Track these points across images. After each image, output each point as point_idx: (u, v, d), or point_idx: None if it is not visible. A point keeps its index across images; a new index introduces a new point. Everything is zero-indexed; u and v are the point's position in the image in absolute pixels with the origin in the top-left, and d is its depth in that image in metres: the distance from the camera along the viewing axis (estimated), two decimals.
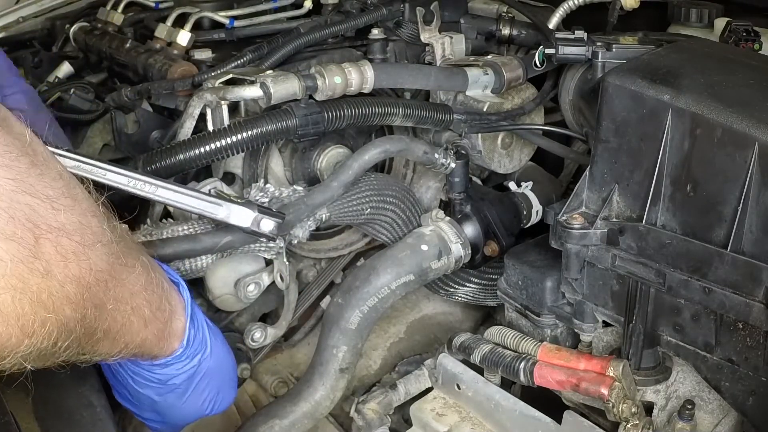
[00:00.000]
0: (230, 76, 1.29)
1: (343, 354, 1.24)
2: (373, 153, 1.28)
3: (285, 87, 1.22)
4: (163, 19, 1.64)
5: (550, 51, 1.34)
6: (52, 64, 1.84)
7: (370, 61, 1.40)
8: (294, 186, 1.29)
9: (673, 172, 1.04)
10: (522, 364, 1.13)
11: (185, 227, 1.19)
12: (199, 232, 1.17)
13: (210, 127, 1.26)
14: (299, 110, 1.22)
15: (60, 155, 0.92)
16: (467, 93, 1.44)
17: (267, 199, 1.22)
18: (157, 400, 0.96)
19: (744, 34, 1.38)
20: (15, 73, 1.07)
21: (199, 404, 0.98)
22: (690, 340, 1.04)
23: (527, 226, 1.49)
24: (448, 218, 1.37)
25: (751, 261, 0.95)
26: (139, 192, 1.03)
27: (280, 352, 1.62)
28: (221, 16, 1.66)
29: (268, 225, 1.10)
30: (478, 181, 1.59)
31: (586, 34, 1.32)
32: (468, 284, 1.48)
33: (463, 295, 1.50)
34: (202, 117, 1.28)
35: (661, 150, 1.04)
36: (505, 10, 1.64)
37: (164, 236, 1.15)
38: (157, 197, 1.04)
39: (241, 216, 1.09)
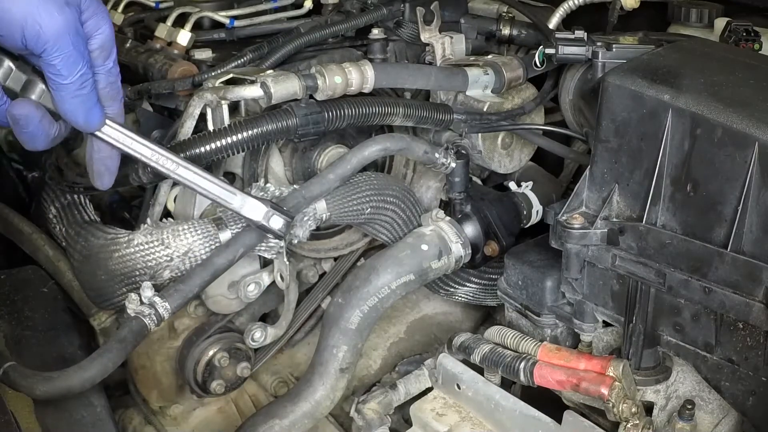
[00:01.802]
0: (230, 75, 1.29)
1: (343, 354, 1.24)
2: (372, 149, 1.28)
3: (285, 87, 1.22)
4: (163, 19, 1.63)
5: (550, 51, 1.34)
6: None
7: (371, 61, 1.40)
8: (294, 186, 1.29)
9: (673, 172, 1.04)
10: (522, 364, 1.13)
11: (185, 227, 1.20)
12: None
13: (210, 127, 1.26)
14: (299, 110, 1.22)
15: None
16: (467, 93, 1.44)
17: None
18: None
19: (744, 34, 1.38)
20: None
21: None
22: (690, 340, 1.04)
23: (527, 226, 1.49)
24: (448, 218, 1.37)
25: (751, 261, 0.95)
26: (160, 168, 1.04)
27: (280, 352, 1.62)
28: (221, 16, 1.66)
29: (277, 222, 1.11)
30: (478, 181, 1.59)
31: (586, 34, 1.32)
32: (468, 284, 1.48)
33: (463, 295, 1.50)
34: (202, 117, 1.28)
35: (661, 150, 1.04)
36: (505, 10, 1.64)
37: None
38: (176, 176, 1.06)
39: (254, 209, 1.10)
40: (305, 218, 1.25)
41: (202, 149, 1.18)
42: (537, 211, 1.48)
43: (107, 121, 0.98)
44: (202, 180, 1.07)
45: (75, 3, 0.88)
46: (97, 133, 0.99)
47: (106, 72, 0.95)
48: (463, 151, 1.39)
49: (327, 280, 1.54)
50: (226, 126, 1.22)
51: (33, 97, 0.92)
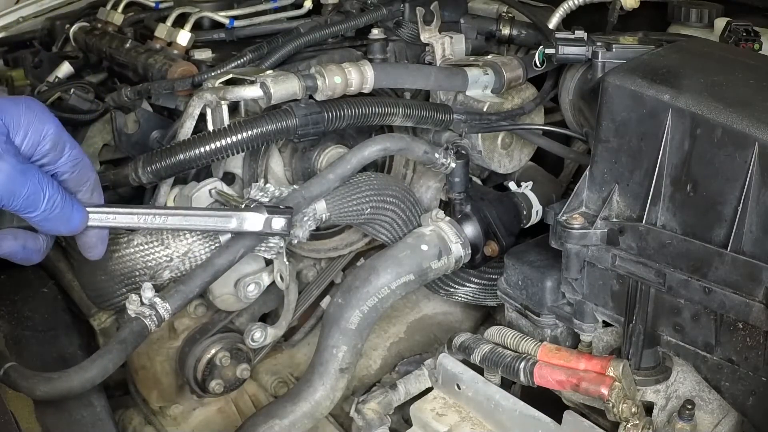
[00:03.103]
0: (230, 76, 1.29)
1: (343, 354, 1.24)
2: (372, 149, 1.28)
3: (285, 87, 1.22)
4: (163, 19, 1.64)
5: (550, 51, 1.34)
6: (52, 64, 1.84)
7: (370, 61, 1.40)
8: (294, 186, 1.29)
9: (673, 172, 1.04)
10: (522, 364, 1.13)
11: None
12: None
13: (210, 127, 1.26)
14: (299, 110, 1.22)
15: None
16: (467, 93, 1.44)
17: (267, 199, 1.22)
18: None
19: (744, 34, 1.38)
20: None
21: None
22: (690, 340, 1.04)
23: (527, 226, 1.49)
24: (448, 218, 1.37)
25: (751, 261, 0.95)
26: (150, 226, 1.04)
27: (280, 352, 1.62)
28: (221, 16, 1.66)
29: (279, 223, 1.12)
30: (478, 181, 1.59)
31: (586, 34, 1.32)
32: (468, 284, 1.48)
33: (463, 295, 1.50)
34: (202, 117, 1.28)
35: (661, 150, 1.04)
36: (505, 10, 1.64)
37: None
38: (168, 226, 1.06)
39: (252, 221, 1.11)
40: (305, 218, 1.25)
41: (202, 150, 1.18)
42: (537, 211, 1.48)
43: (88, 209, 0.97)
44: (194, 218, 1.07)
45: (5, 144, 0.85)
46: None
47: (67, 160, 0.93)
48: (462, 151, 1.39)
49: (320, 279, 1.55)
50: (226, 126, 1.22)
51: (7, 225, 0.92)
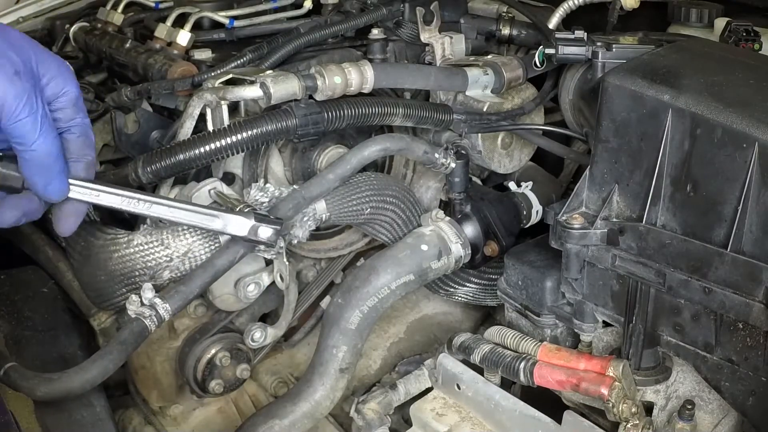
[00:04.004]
0: (230, 76, 1.29)
1: (343, 354, 1.24)
2: (372, 149, 1.28)
3: (285, 87, 1.22)
4: (163, 19, 1.63)
5: (550, 51, 1.34)
6: None
7: (370, 61, 1.41)
8: (294, 186, 1.29)
9: (673, 172, 1.04)
10: (522, 364, 1.13)
11: (185, 227, 1.19)
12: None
13: (210, 127, 1.26)
14: (299, 110, 1.22)
15: None
16: (467, 93, 1.44)
17: (267, 199, 1.22)
18: None
19: (744, 34, 1.38)
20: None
21: None
22: (690, 340, 1.04)
23: (527, 226, 1.49)
24: (448, 218, 1.37)
25: (751, 261, 0.95)
26: (133, 210, 1.04)
27: (280, 352, 1.62)
28: (221, 16, 1.66)
29: (265, 232, 1.11)
30: (478, 181, 1.59)
31: (586, 34, 1.32)
32: (468, 284, 1.48)
33: (463, 295, 1.50)
34: (202, 117, 1.28)
35: (661, 150, 1.04)
36: (505, 10, 1.64)
37: None
38: (152, 213, 1.05)
39: (237, 225, 1.10)
40: (305, 218, 1.25)
41: (202, 150, 1.18)
42: (537, 211, 1.48)
43: (72, 182, 0.97)
44: (179, 211, 1.07)
45: (28, 72, 0.89)
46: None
47: (79, 124, 0.97)
48: (462, 152, 1.39)
49: (320, 279, 1.55)
50: (226, 126, 1.22)
51: None
